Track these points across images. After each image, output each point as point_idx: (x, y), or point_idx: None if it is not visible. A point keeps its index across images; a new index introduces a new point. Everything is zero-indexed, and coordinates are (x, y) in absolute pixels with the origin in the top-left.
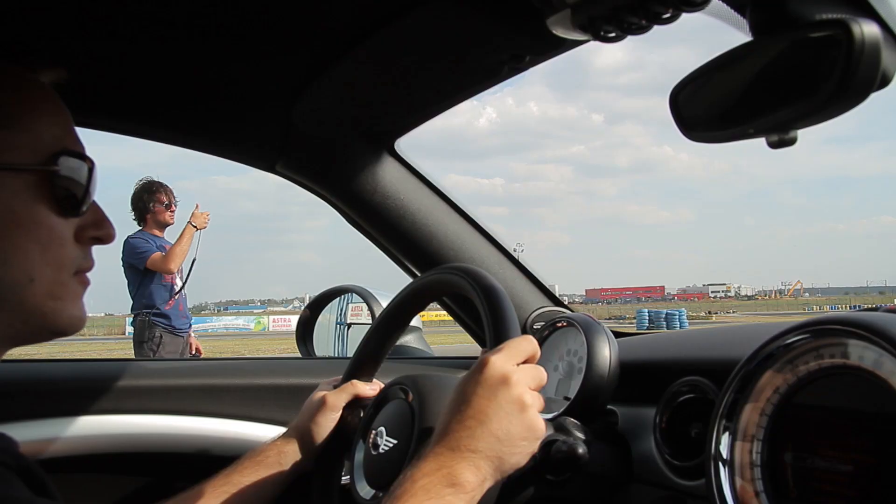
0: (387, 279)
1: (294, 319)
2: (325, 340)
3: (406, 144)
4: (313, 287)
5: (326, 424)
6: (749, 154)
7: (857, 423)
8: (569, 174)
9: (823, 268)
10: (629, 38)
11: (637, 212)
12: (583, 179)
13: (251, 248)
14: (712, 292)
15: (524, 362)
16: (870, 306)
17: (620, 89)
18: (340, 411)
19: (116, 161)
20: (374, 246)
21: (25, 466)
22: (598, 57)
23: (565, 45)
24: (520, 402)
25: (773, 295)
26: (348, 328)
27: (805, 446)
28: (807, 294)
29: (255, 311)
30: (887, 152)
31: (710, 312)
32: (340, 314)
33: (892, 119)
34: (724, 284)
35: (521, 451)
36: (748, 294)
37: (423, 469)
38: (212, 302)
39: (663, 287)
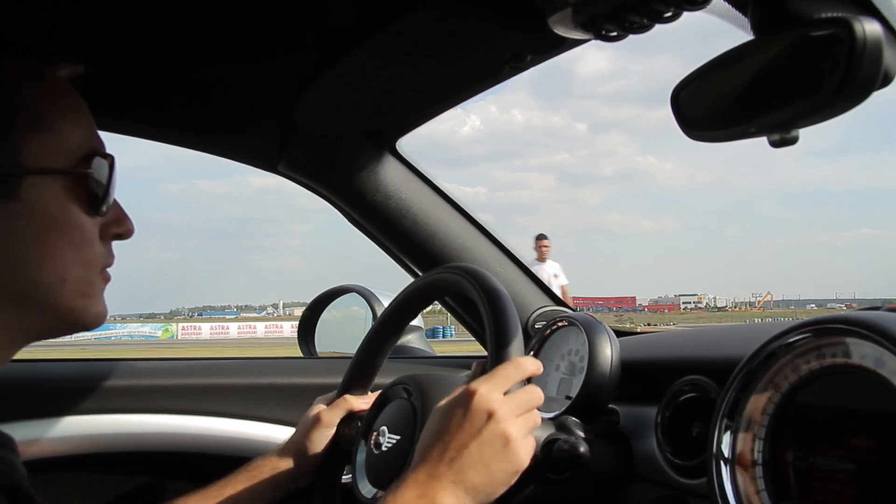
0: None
1: (259, 326)
2: (331, 339)
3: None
4: (293, 294)
5: (321, 441)
6: (733, 165)
7: (858, 422)
8: (552, 183)
9: (800, 280)
10: (619, 44)
11: (620, 222)
12: (567, 188)
13: (232, 252)
14: (683, 303)
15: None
16: (870, 307)
17: (604, 98)
18: (335, 427)
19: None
20: (356, 253)
21: (14, 486)
22: (582, 65)
23: (567, 45)
24: (504, 436)
25: (743, 307)
26: None
27: (807, 445)
28: (777, 306)
29: (229, 316)
30: (867, 165)
31: (648, 324)
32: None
33: (872, 132)
34: (696, 295)
35: (502, 482)
36: (720, 305)
37: (405, 495)
38: (187, 307)
39: (634, 298)
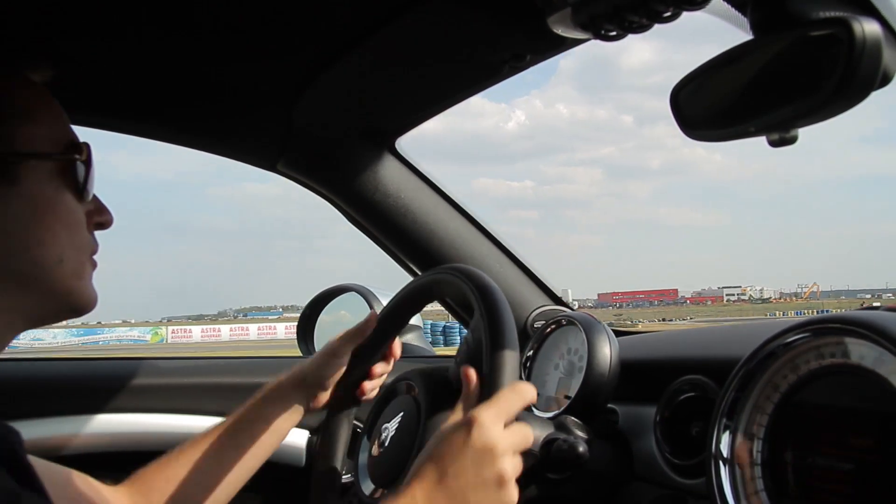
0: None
1: (252, 328)
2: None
3: (430, 150)
4: None
5: (329, 371)
6: (783, 154)
7: (857, 421)
8: (599, 176)
9: (850, 269)
10: (662, 35)
11: (667, 214)
12: (614, 181)
13: (279, 253)
14: (727, 295)
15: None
16: (872, 305)
17: (650, 90)
18: (344, 359)
19: (150, 170)
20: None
21: (16, 459)
22: (626, 58)
23: (566, 44)
24: (500, 476)
25: (788, 298)
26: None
27: (806, 445)
28: (825, 297)
29: (271, 316)
30: None
31: (663, 320)
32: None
33: None
34: (739, 287)
35: None
36: (765, 297)
37: None
38: (233, 308)
39: (676, 290)
